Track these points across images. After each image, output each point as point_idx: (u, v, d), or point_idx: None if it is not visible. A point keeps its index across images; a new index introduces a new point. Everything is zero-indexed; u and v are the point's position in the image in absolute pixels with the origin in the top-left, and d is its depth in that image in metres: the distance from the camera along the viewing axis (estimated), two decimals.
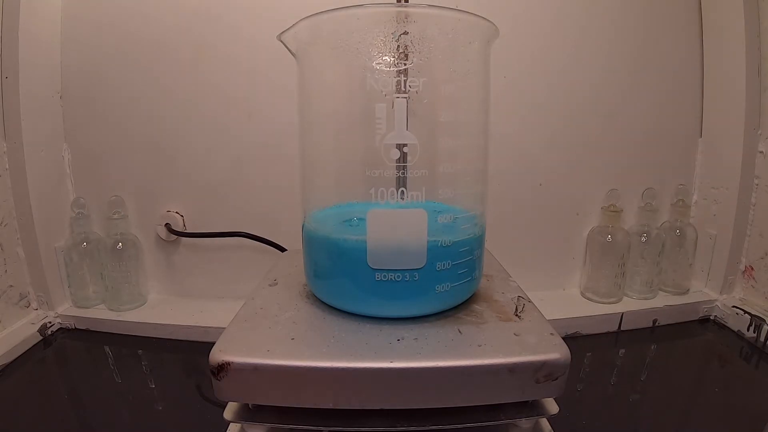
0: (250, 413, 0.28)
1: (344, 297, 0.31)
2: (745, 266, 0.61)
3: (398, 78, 0.27)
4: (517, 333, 0.28)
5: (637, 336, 0.58)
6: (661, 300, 0.61)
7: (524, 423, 0.28)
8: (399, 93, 0.27)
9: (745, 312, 0.57)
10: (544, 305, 0.34)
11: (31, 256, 0.57)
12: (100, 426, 0.41)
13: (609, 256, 0.60)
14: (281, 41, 0.32)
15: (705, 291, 0.64)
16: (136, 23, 0.57)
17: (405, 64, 0.28)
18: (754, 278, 0.60)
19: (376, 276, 0.29)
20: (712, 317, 0.62)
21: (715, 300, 0.61)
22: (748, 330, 0.56)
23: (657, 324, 0.60)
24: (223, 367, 0.25)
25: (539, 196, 0.63)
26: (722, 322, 0.60)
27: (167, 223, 0.61)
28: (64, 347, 0.55)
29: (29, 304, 0.58)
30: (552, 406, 0.29)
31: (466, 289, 0.32)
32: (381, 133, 0.28)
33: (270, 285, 0.37)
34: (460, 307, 0.32)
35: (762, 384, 0.48)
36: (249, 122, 0.58)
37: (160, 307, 0.61)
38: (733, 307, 0.59)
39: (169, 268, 0.64)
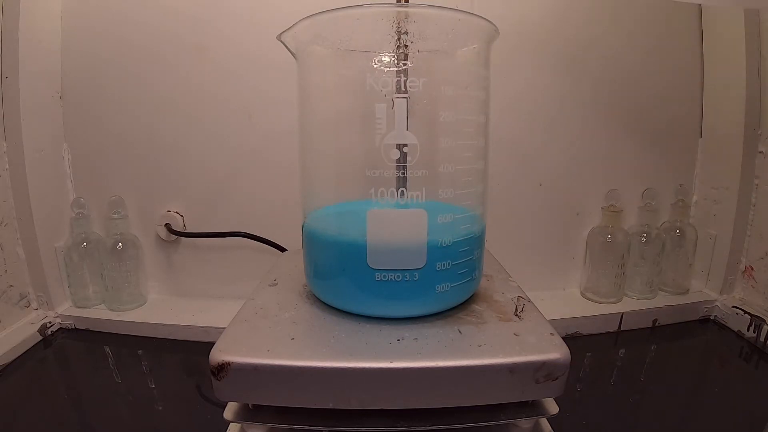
0: (250, 413, 0.28)
1: (344, 297, 0.31)
2: (745, 266, 0.61)
3: (398, 78, 0.28)
4: (517, 333, 0.29)
5: (637, 336, 0.58)
6: (661, 300, 0.61)
7: (524, 423, 0.28)
8: (399, 93, 0.27)
9: (745, 312, 0.57)
10: (544, 305, 0.34)
11: (31, 256, 0.57)
12: (100, 426, 0.41)
13: (609, 256, 0.60)
14: (281, 41, 0.32)
15: (705, 291, 0.64)
16: (136, 23, 0.57)
17: (405, 64, 0.28)
18: (754, 278, 0.60)
19: (376, 276, 0.29)
20: (712, 317, 0.62)
21: (715, 300, 0.61)
22: (748, 330, 0.56)
23: (657, 324, 0.60)
24: (223, 367, 0.25)
25: (539, 196, 0.63)
26: (722, 322, 0.60)
27: (167, 223, 0.61)
28: (64, 347, 0.55)
29: (29, 304, 0.58)
30: (552, 406, 0.29)
31: (466, 289, 0.32)
32: (381, 133, 0.28)
33: (270, 285, 0.37)
34: (460, 307, 0.32)
35: (762, 384, 0.48)
36: (249, 122, 0.58)
37: (160, 307, 0.61)
38: (733, 307, 0.59)
39: (169, 268, 0.64)
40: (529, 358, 0.26)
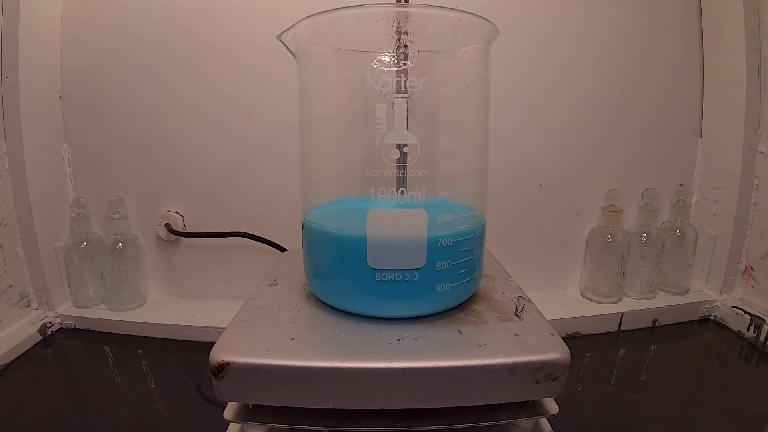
0: (250, 413, 0.28)
1: (344, 297, 0.31)
2: (745, 266, 0.61)
3: (398, 78, 0.28)
4: (517, 333, 0.29)
5: (637, 336, 0.58)
6: (661, 300, 0.61)
7: (524, 423, 0.28)
8: (399, 93, 0.27)
9: (745, 312, 0.57)
10: (544, 305, 0.34)
11: (31, 256, 0.57)
12: (100, 426, 0.41)
13: (609, 256, 0.60)
14: (281, 41, 0.32)
15: (705, 291, 0.64)
16: (136, 23, 0.57)
17: (405, 64, 0.28)
18: (754, 278, 0.60)
19: (376, 276, 0.29)
20: (712, 317, 0.62)
21: (715, 300, 0.61)
22: (748, 330, 0.56)
23: (657, 324, 0.60)
24: (223, 367, 0.25)
25: (539, 196, 0.63)
26: (722, 322, 0.60)
27: (167, 223, 0.61)
28: (64, 347, 0.55)
29: (29, 304, 0.58)
30: (552, 406, 0.29)
31: (466, 289, 0.32)
32: (381, 133, 0.28)
33: (270, 285, 0.37)
34: (460, 307, 0.32)
35: (762, 384, 0.48)
36: (249, 122, 0.58)
37: (160, 307, 0.61)
38: (733, 307, 0.59)
39: (169, 268, 0.64)
40: (529, 358, 0.26)
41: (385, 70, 0.28)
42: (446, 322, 0.30)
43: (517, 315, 0.31)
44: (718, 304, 0.61)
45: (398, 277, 0.29)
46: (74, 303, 0.60)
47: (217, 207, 0.61)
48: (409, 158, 0.28)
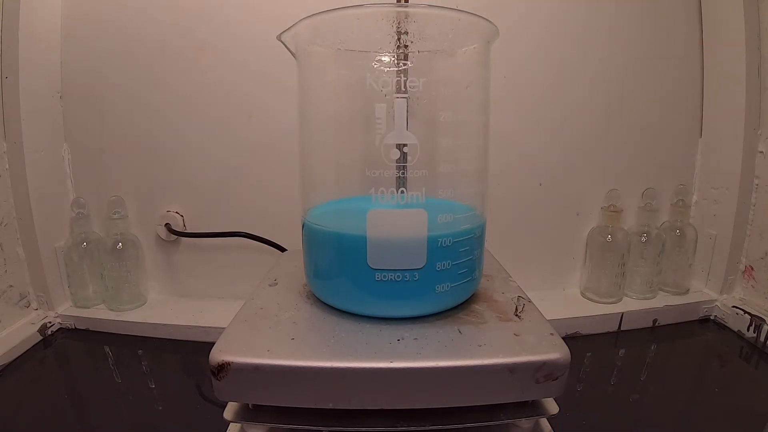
0: (250, 413, 0.28)
1: (344, 297, 0.31)
2: (745, 266, 0.61)
3: (398, 78, 0.28)
4: (517, 333, 0.28)
5: (637, 336, 0.58)
6: (661, 300, 0.61)
7: (524, 423, 0.28)
8: (399, 93, 0.27)
9: (745, 312, 0.57)
10: (544, 305, 0.34)
11: (31, 256, 0.57)
12: (100, 426, 0.41)
13: (609, 256, 0.60)
14: (281, 41, 0.32)
15: (705, 291, 0.64)
16: (136, 23, 0.57)
17: (405, 64, 0.28)
18: (754, 278, 0.60)
19: (376, 276, 0.29)
20: (712, 317, 0.62)
21: (715, 300, 0.61)
22: (748, 330, 0.56)
23: (657, 324, 0.60)
24: (223, 367, 0.25)
25: (539, 196, 0.63)
26: (722, 322, 0.60)
27: (167, 223, 0.61)
28: (64, 347, 0.55)
29: (29, 304, 0.58)
30: (552, 406, 0.29)
31: (466, 289, 0.32)
32: (381, 133, 0.28)
33: (270, 285, 0.37)
34: (460, 307, 0.32)
35: (762, 384, 0.48)
36: (249, 122, 0.58)
37: (160, 307, 0.61)
38: (733, 307, 0.59)
39: (169, 268, 0.64)
40: (529, 358, 0.26)
41: (385, 70, 0.28)
42: (446, 322, 0.30)
43: (517, 315, 0.31)
44: (718, 304, 0.61)
45: (398, 277, 0.29)
46: (74, 303, 0.60)
47: (217, 207, 0.61)
48: (409, 158, 0.28)
